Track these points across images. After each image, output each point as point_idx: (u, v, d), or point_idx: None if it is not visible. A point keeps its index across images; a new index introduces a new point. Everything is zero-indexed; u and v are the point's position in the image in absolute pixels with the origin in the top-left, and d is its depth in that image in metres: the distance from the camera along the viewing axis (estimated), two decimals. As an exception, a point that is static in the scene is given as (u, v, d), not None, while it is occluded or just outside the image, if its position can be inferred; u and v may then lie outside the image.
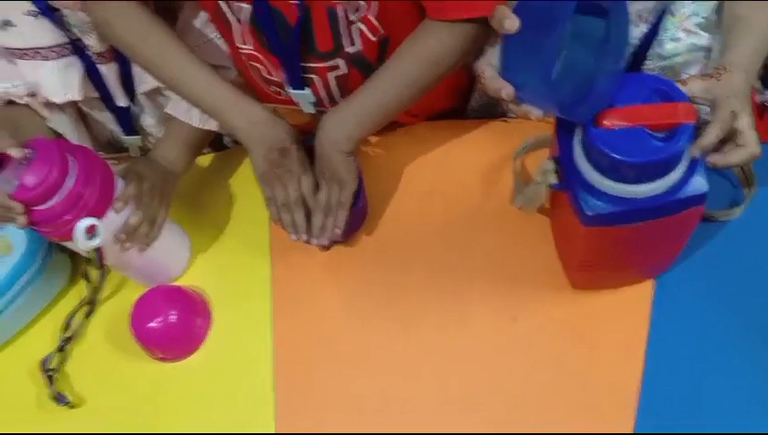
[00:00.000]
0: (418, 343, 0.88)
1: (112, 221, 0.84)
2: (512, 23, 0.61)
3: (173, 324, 0.90)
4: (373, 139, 1.03)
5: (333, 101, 0.91)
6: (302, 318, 0.93)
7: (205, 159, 1.11)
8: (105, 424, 0.91)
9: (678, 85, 0.67)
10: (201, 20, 0.93)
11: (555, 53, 0.61)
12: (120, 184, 0.85)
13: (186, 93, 0.89)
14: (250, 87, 0.96)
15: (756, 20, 0.75)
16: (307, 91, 0.89)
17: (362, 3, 0.80)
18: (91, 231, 0.80)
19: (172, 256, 0.97)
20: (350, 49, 0.84)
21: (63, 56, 0.90)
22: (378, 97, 0.84)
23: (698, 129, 0.66)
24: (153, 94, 1.01)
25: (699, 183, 0.68)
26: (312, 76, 0.88)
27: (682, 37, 0.82)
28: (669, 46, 0.83)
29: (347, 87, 0.89)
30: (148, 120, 1.05)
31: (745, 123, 0.67)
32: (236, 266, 0.99)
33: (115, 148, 1.09)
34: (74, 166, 0.78)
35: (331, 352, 0.90)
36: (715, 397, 0.78)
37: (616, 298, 0.85)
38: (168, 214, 0.93)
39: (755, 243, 0.86)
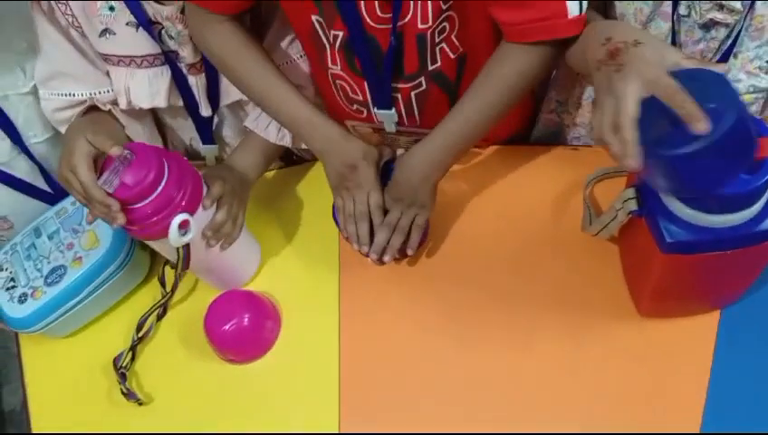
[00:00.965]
0: (480, 363, 0.90)
1: (201, 219, 0.87)
2: (703, 125, 0.58)
3: (246, 328, 0.93)
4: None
5: (412, 117, 0.95)
6: (368, 328, 0.96)
7: (278, 173, 1.16)
8: (172, 422, 0.94)
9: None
10: (287, 41, 0.97)
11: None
12: (204, 187, 0.89)
13: (269, 108, 0.94)
14: (331, 104, 1.00)
15: None
16: (393, 111, 0.93)
17: (446, 24, 0.83)
18: (184, 227, 0.84)
19: (245, 260, 1.01)
20: (431, 67, 0.88)
21: (155, 66, 0.95)
22: (461, 125, 0.87)
23: None
24: (234, 107, 1.05)
25: (779, 216, 0.69)
26: (397, 96, 0.91)
27: (743, 78, 0.83)
28: None
29: (426, 102, 0.93)
30: (226, 131, 1.10)
31: None
32: (306, 275, 1.02)
33: (190, 157, 1.13)
34: (168, 168, 0.82)
35: (394, 363, 0.93)
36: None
37: (682, 327, 0.86)
38: (245, 217, 0.96)
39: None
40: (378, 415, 0.89)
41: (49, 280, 0.97)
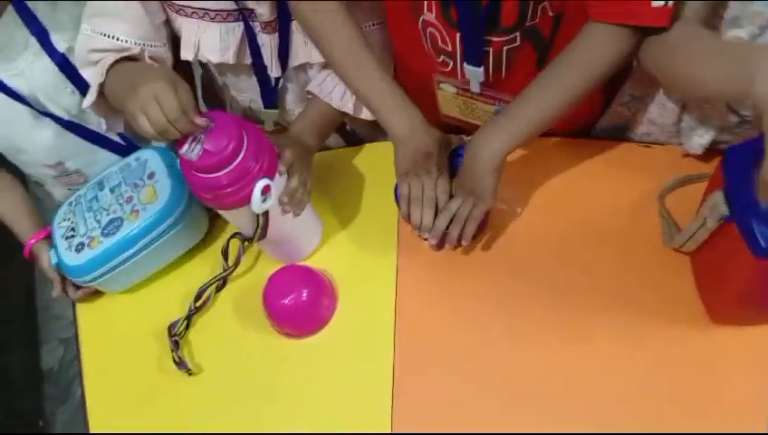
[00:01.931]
0: (537, 356, 0.89)
1: (278, 186, 0.87)
2: None
3: (304, 303, 0.93)
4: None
5: (498, 75, 0.93)
6: (423, 311, 0.95)
7: (337, 153, 1.15)
8: (221, 394, 0.94)
9: None
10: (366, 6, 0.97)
11: None
12: None
13: (356, 89, 0.95)
14: (418, 55, 0.97)
15: None
16: (481, 69, 0.91)
17: None
18: (266, 192, 0.83)
19: (310, 231, 1.01)
20: (529, 23, 0.86)
21: (228, 21, 0.94)
22: (532, 106, 0.85)
23: None
24: (299, 70, 1.04)
25: None
26: (488, 49, 0.89)
27: None
28: None
29: (515, 60, 0.91)
30: (288, 96, 1.09)
31: None
32: (363, 256, 1.01)
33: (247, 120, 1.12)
34: (246, 135, 0.81)
35: (448, 349, 0.92)
36: None
37: (752, 336, 0.84)
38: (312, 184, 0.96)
39: None
40: (430, 399, 0.88)
41: (106, 231, 0.98)
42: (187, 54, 0.97)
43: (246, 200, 0.83)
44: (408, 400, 0.89)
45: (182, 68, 1.02)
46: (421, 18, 0.91)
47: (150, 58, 0.95)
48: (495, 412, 0.86)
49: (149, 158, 1.02)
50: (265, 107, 1.08)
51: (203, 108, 0.83)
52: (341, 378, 0.92)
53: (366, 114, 1.01)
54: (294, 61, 1.00)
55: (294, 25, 0.96)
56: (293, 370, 0.94)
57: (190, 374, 0.96)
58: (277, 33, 0.96)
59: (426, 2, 0.88)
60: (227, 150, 0.79)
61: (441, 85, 0.99)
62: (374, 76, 0.92)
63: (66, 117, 1.00)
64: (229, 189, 0.81)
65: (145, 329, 1.01)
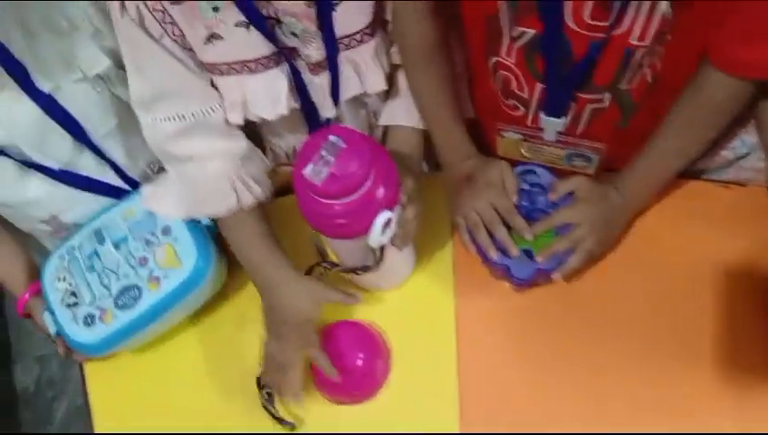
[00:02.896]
0: (620, 419, 0.80)
1: (397, 216, 0.78)
2: None
3: (359, 369, 0.84)
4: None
5: (574, 127, 0.85)
6: (487, 365, 0.86)
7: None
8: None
9: None
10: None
11: None
12: None
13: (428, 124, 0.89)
14: (481, 93, 0.89)
15: None
16: (562, 119, 0.82)
17: (660, 48, 0.72)
18: (387, 225, 0.74)
19: (407, 262, 0.90)
20: (622, 86, 0.78)
21: (269, 68, 0.80)
22: (667, 158, 0.83)
23: None
24: (355, 103, 0.91)
25: None
26: (570, 102, 0.81)
27: None
28: None
29: (598, 120, 0.83)
30: None
31: None
32: (417, 305, 0.91)
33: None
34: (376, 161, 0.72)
35: (516, 405, 0.83)
36: None
37: None
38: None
39: None
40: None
41: (120, 302, 0.84)
42: (235, 118, 0.82)
43: (364, 232, 0.73)
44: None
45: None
46: (494, 59, 0.80)
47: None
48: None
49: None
50: None
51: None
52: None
53: None
54: (346, 94, 0.86)
55: (342, 58, 0.82)
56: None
57: (293, 429, 0.84)
58: (327, 72, 0.83)
59: (505, 44, 0.77)
60: (355, 177, 0.69)
61: (503, 134, 0.90)
62: (446, 116, 0.87)
63: (56, 166, 0.85)
64: (347, 220, 0.72)
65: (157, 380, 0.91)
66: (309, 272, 0.87)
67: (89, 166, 0.88)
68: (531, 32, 0.73)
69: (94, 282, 0.86)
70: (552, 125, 0.84)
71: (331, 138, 0.70)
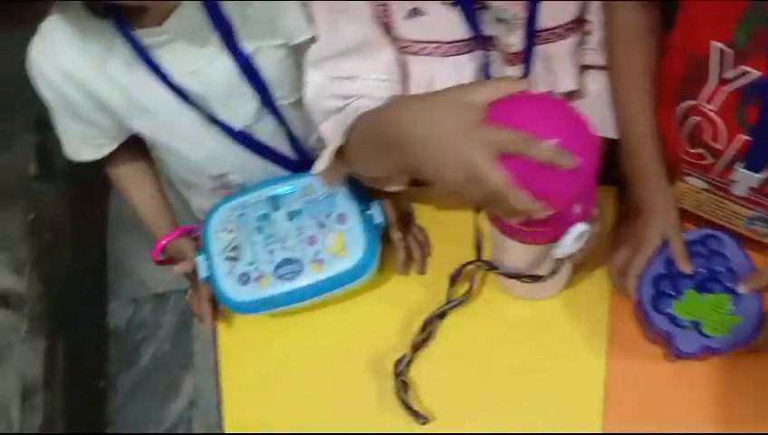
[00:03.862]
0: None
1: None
2: None
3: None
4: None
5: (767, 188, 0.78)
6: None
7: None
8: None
9: None
10: None
11: None
12: None
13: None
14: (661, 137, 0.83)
15: None
16: (760, 175, 0.75)
17: None
18: (578, 238, 0.70)
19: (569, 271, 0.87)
20: None
21: (460, 54, 0.79)
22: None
23: None
24: None
25: None
26: None
27: None
28: None
29: None
30: None
31: None
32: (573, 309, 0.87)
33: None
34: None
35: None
36: None
37: None
38: None
39: None
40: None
41: (280, 271, 0.83)
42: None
43: (554, 240, 0.69)
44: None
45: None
46: (687, 103, 0.74)
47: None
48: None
49: (340, 194, 0.86)
50: None
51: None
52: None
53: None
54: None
55: (537, 52, 0.80)
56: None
57: (425, 424, 0.81)
58: (523, 65, 0.80)
59: (710, 88, 0.71)
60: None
61: (687, 179, 0.81)
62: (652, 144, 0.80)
63: (237, 127, 0.86)
64: (548, 226, 0.68)
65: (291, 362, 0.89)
66: (460, 270, 0.85)
67: (266, 132, 0.88)
68: (754, 73, 0.66)
69: (259, 243, 0.85)
70: (747, 179, 0.76)
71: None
